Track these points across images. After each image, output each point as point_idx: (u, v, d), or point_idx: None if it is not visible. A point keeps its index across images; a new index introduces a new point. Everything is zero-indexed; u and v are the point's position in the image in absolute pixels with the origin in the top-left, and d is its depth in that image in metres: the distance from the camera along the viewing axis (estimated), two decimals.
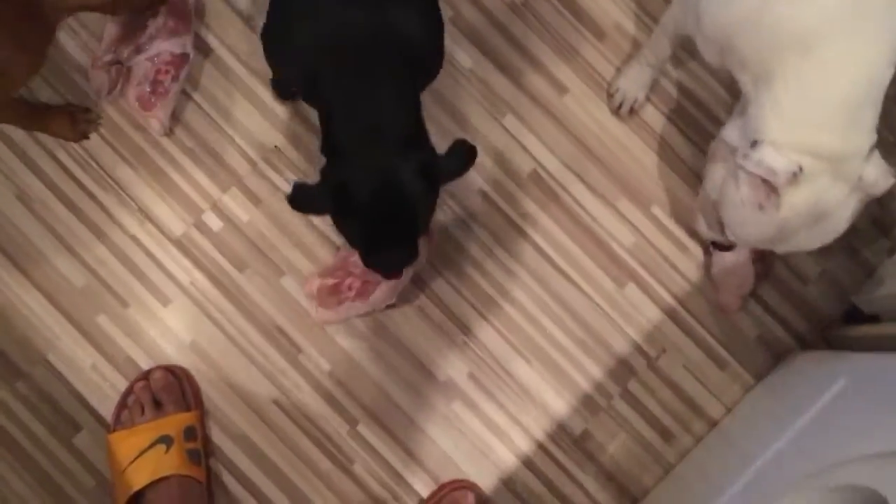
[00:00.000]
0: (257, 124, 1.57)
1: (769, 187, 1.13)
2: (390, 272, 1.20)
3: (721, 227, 1.27)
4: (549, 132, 1.59)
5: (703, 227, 1.39)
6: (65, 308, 1.53)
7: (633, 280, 1.57)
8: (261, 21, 1.29)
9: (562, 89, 1.60)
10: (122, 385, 1.50)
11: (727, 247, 1.42)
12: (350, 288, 1.46)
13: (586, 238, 1.57)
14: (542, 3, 1.61)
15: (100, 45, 1.53)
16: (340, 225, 1.16)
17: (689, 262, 1.58)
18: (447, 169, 1.14)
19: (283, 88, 1.55)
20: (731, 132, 1.23)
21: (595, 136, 1.60)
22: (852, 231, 1.55)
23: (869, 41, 1.12)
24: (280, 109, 1.58)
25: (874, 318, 1.44)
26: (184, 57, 1.51)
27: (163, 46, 1.49)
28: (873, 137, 1.15)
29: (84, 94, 1.55)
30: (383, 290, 1.46)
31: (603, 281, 1.57)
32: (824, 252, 1.55)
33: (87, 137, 1.55)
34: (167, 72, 1.50)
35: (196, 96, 1.57)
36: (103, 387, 1.52)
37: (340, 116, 1.14)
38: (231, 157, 1.57)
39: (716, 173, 1.26)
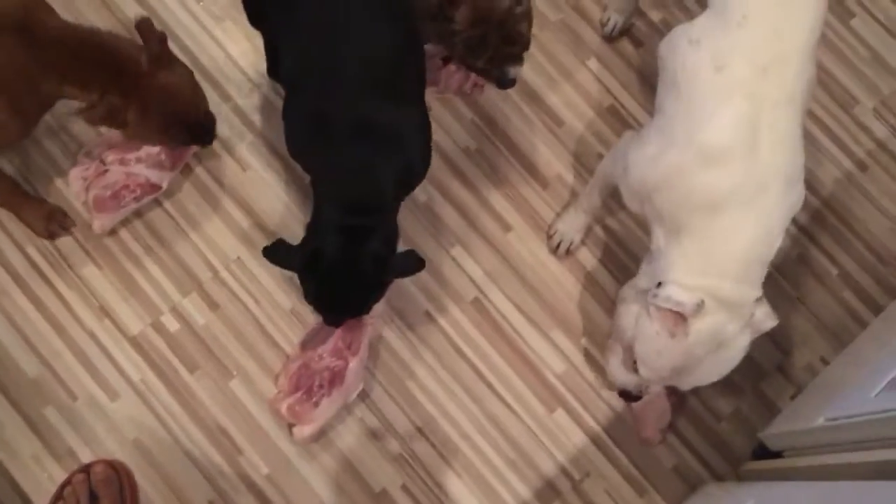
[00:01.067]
0: (222, 236, 1.69)
1: (678, 317, 1.28)
2: (331, 324, 1.47)
3: (633, 364, 1.40)
4: (493, 265, 1.74)
5: (614, 371, 1.50)
6: (13, 396, 1.57)
7: (562, 406, 1.68)
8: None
9: (507, 227, 1.77)
10: (61, 477, 1.52)
11: (635, 397, 1.53)
12: (321, 385, 1.53)
13: (521, 363, 1.69)
14: (494, 152, 1.81)
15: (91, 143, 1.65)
16: (303, 282, 1.37)
17: (612, 392, 1.70)
18: (398, 269, 1.37)
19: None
20: (640, 279, 1.40)
21: (534, 271, 1.75)
22: (761, 375, 1.73)
23: (766, 211, 1.31)
24: (246, 224, 1.70)
25: (778, 454, 1.57)
26: (155, 187, 1.62)
27: (144, 171, 1.61)
28: (759, 292, 1.34)
29: (64, 200, 1.66)
30: (353, 367, 1.54)
31: (535, 405, 1.68)
32: (736, 393, 1.72)
33: (55, 238, 1.63)
34: (133, 191, 1.61)
35: (168, 206, 1.69)
36: (41, 478, 1.54)
37: (332, 195, 1.35)
38: (195, 263, 1.67)
39: (629, 314, 1.41)
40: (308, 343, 1.59)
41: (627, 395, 1.51)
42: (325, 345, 1.55)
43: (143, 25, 1.41)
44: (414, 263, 1.35)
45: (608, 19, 1.90)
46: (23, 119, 1.45)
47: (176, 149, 1.62)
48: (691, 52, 1.38)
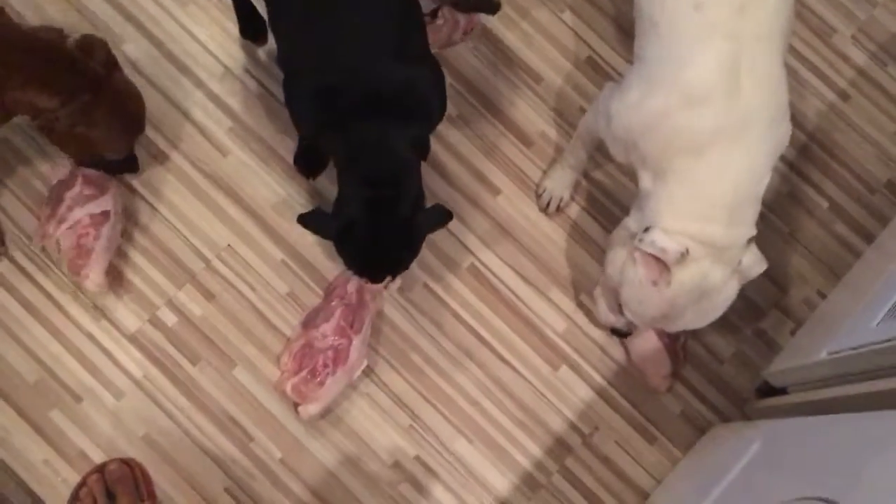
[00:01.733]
0: (210, 224, 1.67)
1: (661, 265, 1.29)
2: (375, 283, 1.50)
3: (620, 308, 1.41)
4: (485, 229, 1.74)
5: (602, 313, 1.54)
6: (16, 403, 1.56)
7: (566, 363, 1.69)
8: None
9: (495, 191, 1.76)
10: (75, 480, 1.52)
11: (625, 333, 1.55)
12: (325, 364, 1.53)
13: (522, 325, 1.70)
14: (475, 115, 1.79)
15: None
16: (342, 251, 1.39)
17: (617, 345, 1.71)
18: (429, 223, 1.40)
19: (306, 162, 1.69)
20: (630, 221, 1.40)
21: (526, 232, 1.75)
22: (759, 314, 1.74)
23: (751, 150, 1.31)
24: (233, 210, 1.68)
25: (782, 391, 1.58)
26: (104, 215, 1.57)
27: (80, 214, 1.56)
28: (753, 231, 1.33)
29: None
30: (356, 345, 1.55)
31: (539, 364, 1.68)
32: (736, 334, 1.73)
33: None
34: (87, 234, 1.56)
35: (152, 199, 1.67)
36: (55, 482, 1.54)
37: (354, 171, 1.34)
38: (185, 255, 1.66)
39: (617, 258, 1.42)
40: (309, 322, 1.58)
41: (618, 332, 1.54)
42: (327, 324, 1.55)
43: (85, 39, 1.42)
44: (443, 216, 1.40)
45: None
46: None
47: (99, 178, 1.59)
48: None
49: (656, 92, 1.34)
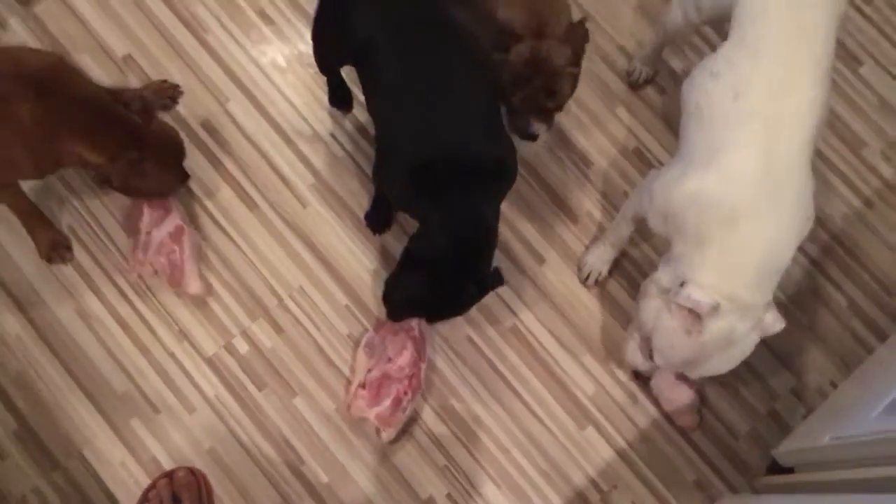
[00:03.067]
0: (286, 267, 1.89)
1: (695, 316, 1.45)
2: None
3: (649, 353, 1.57)
4: (529, 294, 1.92)
5: (630, 355, 1.70)
6: (104, 409, 1.77)
7: (592, 423, 1.85)
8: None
9: (541, 260, 1.95)
10: (146, 482, 1.72)
11: (645, 377, 1.70)
12: (405, 392, 1.72)
13: (555, 384, 1.87)
14: (529, 191, 1.99)
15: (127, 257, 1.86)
16: (411, 293, 1.56)
17: (639, 411, 1.87)
18: (491, 286, 1.59)
19: (375, 220, 1.89)
20: (662, 276, 1.56)
21: (566, 300, 1.93)
22: (775, 398, 1.89)
23: (779, 225, 1.46)
24: (307, 256, 1.90)
25: (790, 470, 1.73)
26: (178, 229, 1.80)
27: (159, 236, 1.79)
28: (770, 295, 1.49)
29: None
30: (424, 372, 1.77)
31: (567, 422, 1.85)
32: (752, 413, 1.88)
33: (52, 263, 1.82)
34: (173, 251, 1.79)
35: (238, 239, 1.89)
36: (128, 483, 1.73)
37: (436, 227, 1.51)
38: (262, 291, 1.87)
39: (649, 307, 1.57)
40: (379, 355, 1.76)
41: (639, 376, 1.69)
42: (401, 356, 1.73)
43: (115, 91, 1.59)
44: (499, 280, 1.59)
45: (634, 69, 2.08)
46: (38, 166, 1.59)
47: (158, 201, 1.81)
48: (712, 82, 1.54)
49: (696, 169, 1.51)
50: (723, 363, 1.54)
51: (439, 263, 1.50)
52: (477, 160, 1.50)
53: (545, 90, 1.67)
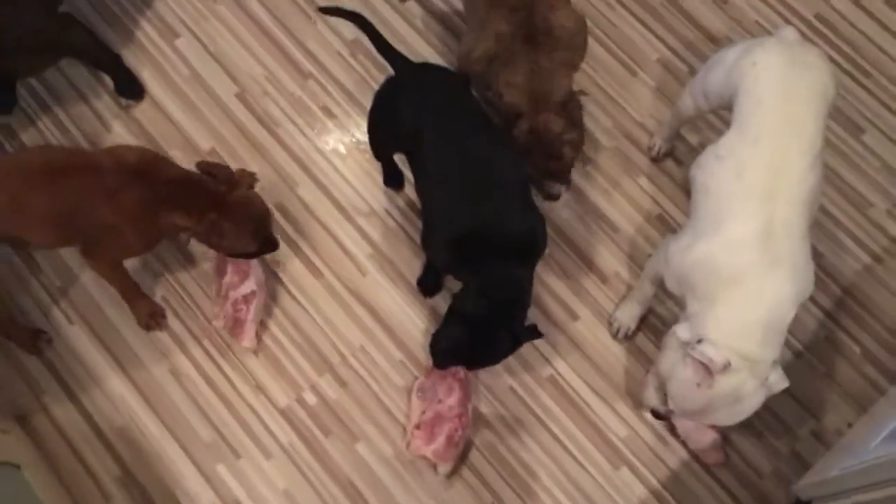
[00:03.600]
0: (348, 328, 2.15)
1: (707, 371, 1.63)
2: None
3: (664, 397, 1.75)
4: (564, 347, 2.14)
5: (648, 396, 1.87)
6: (194, 456, 2.03)
7: (626, 464, 2.04)
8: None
9: (574, 316, 2.18)
10: None
11: (662, 416, 1.84)
12: (457, 429, 1.93)
13: (590, 428, 2.07)
14: (562, 255, 2.23)
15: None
16: (455, 341, 1.78)
17: (669, 451, 2.05)
18: (526, 339, 1.81)
19: (427, 285, 2.14)
20: (682, 331, 1.73)
21: (599, 352, 2.14)
22: (796, 439, 2.05)
23: (779, 286, 1.66)
24: (367, 318, 2.15)
25: (808, 503, 1.88)
26: (252, 294, 2.07)
27: (235, 295, 2.07)
28: (777, 355, 1.67)
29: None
30: (471, 412, 1.99)
31: (602, 463, 2.04)
32: (776, 454, 2.05)
33: (150, 331, 2.10)
34: (241, 309, 2.07)
35: (306, 305, 2.16)
36: None
37: (476, 288, 1.75)
38: (328, 350, 2.13)
39: (668, 358, 1.75)
40: (430, 398, 1.98)
41: (657, 415, 1.84)
42: (451, 398, 1.95)
43: (204, 165, 1.88)
44: (536, 334, 1.82)
45: (654, 144, 2.33)
46: (145, 241, 1.92)
47: (242, 264, 2.07)
48: (718, 164, 1.77)
49: (704, 238, 1.72)
50: (729, 416, 1.68)
51: (478, 319, 1.74)
52: (510, 232, 1.76)
53: (549, 156, 1.93)
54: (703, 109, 2.04)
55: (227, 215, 1.87)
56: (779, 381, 1.66)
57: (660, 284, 2.02)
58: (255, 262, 2.09)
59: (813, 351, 2.15)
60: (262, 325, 2.13)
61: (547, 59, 1.93)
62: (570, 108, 1.93)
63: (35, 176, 1.76)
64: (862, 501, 1.61)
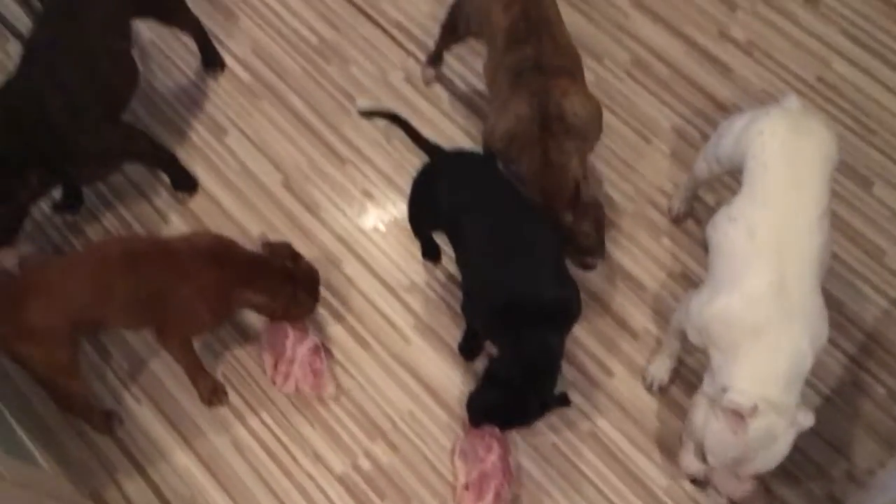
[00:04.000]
0: (396, 395, 2.28)
1: (739, 417, 1.73)
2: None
3: (703, 455, 1.84)
4: (602, 403, 2.26)
5: (686, 462, 1.92)
6: None
7: None
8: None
9: (609, 373, 2.30)
10: None
11: (702, 483, 1.92)
12: (502, 484, 2.05)
13: (632, 480, 2.17)
14: (595, 315, 2.36)
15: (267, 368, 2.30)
16: (489, 402, 1.95)
17: (710, 499, 2.14)
18: (554, 406, 1.96)
19: (468, 350, 2.28)
20: (707, 388, 1.85)
21: (634, 406, 2.26)
22: (831, 481, 2.14)
23: (795, 336, 1.77)
24: (413, 384, 2.29)
25: None
26: (316, 348, 2.24)
27: (302, 351, 2.23)
28: (799, 395, 1.76)
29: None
30: (511, 462, 2.12)
31: None
32: (812, 497, 2.13)
33: (212, 406, 2.25)
34: (314, 362, 2.24)
35: (357, 375, 2.30)
36: None
37: (511, 354, 1.90)
38: (378, 417, 2.26)
39: (699, 415, 1.85)
40: (472, 457, 2.09)
41: (696, 482, 1.92)
42: (491, 454, 2.07)
43: (268, 245, 2.11)
44: (564, 402, 1.98)
45: (674, 206, 2.47)
46: (216, 318, 2.12)
47: (299, 325, 2.26)
48: (731, 225, 1.91)
49: (722, 293, 1.85)
50: (767, 460, 1.77)
51: (510, 384, 1.89)
52: (543, 301, 1.90)
53: (577, 245, 2.11)
54: (717, 173, 2.20)
55: (300, 286, 2.10)
56: (806, 419, 1.75)
57: (686, 338, 2.14)
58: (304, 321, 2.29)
59: (840, 395, 2.25)
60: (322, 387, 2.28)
61: (557, 150, 2.07)
62: (597, 215, 2.10)
63: (117, 264, 1.95)
64: None
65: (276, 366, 2.26)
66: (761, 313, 1.79)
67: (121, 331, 2.33)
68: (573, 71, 2.18)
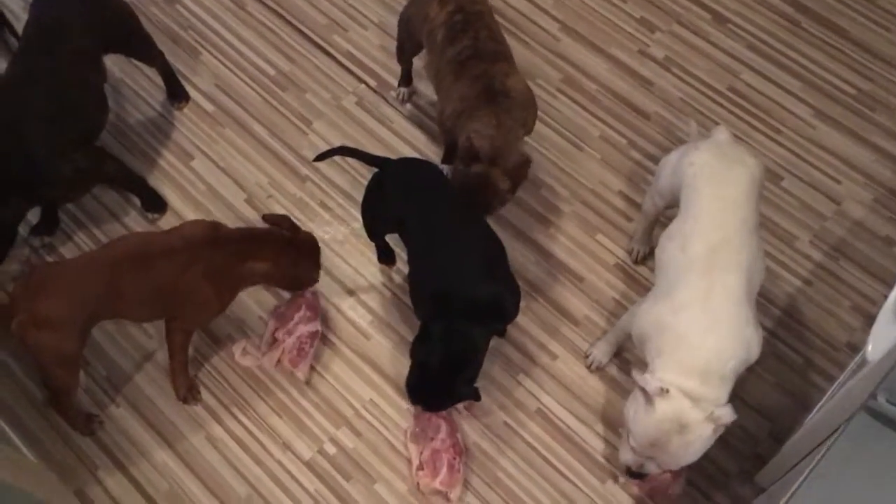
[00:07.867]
0: (359, 386, 2.47)
1: (648, 396, 1.91)
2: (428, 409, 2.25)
3: (634, 449, 1.98)
4: (548, 383, 2.46)
5: (622, 453, 2.07)
6: None
7: (611, 477, 2.33)
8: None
9: (553, 356, 2.51)
10: None
11: (637, 475, 2.06)
12: (454, 457, 2.26)
13: (576, 450, 2.37)
14: (538, 306, 2.58)
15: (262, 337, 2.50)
16: (415, 385, 2.15)
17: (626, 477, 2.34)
18: (463, 394, 2.15)
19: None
20: (636, 374, 1.99)
21: (578, 385, 2.46)
22: (759, 442, 2.34)
23: (717, 340, 1.95)
24: (374, 376, 2.48)
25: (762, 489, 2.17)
26: (315, 333, 2.45)
27: (303, 329, 2.44)
28: (724, 396, 1.92)
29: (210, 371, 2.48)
30: (461, 438, 2.31)
31: (591, 479, 2.33)
32: (740, 456, 2.33)
33: (186, 403, 2.41)
34: (306, 343, 2.44)
35: (321, 371, 2.49)
36: None
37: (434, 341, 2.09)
38: (342, 406, 2.44)
39: (630, 408, 2.00)
40: (423, 436, 2.29)
41: (632, 473, 2.07)
42: (441, 432, 2.26)
43: (269, 217, 2.30)
44: (475, 396, 2.14)
45: (632, 248, 2.64)
46: (223, 301, 2.29)
47: (314, 302, 2.48)
48: (668, 242, 2.12)
49: (657, 303, 2.06)
50: (682, 449, 1.90)
51: (430, 367, 2.08)
52: (474, 298, 2.10)
53: (483, 204, 2.32)
54: (661, 207, 2.40)
55: (301, 252, 2.31)
56: (725, 415, 1.87)
57: (629, 338, 2.33)
58: (319, 312, 2.49)
59: (762, 365, 2.47)
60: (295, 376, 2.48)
61: (507, 115, 2.31)
62: (519, 173, 2.32)
63: (123, 265, 2.13)
64: (805, 468, 1.91)
65: (274, 331, 2.46)
66: (687, 319, 1.97)
67: (95, 339, 2.48)
68: (508, 57, 2.44)
